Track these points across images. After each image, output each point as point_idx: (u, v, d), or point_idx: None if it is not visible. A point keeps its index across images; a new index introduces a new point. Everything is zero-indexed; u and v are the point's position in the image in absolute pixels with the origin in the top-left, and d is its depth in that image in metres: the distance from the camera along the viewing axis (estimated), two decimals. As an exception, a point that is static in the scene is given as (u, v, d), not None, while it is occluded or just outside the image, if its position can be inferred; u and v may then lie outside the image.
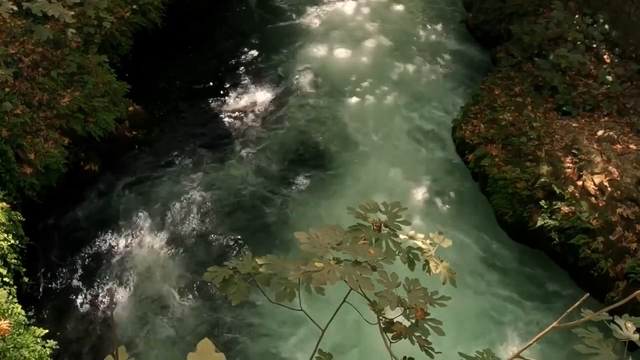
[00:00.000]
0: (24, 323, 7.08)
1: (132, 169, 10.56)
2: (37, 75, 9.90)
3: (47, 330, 7.35)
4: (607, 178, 9.24)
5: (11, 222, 8.19)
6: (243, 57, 13.10)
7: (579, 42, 11.28)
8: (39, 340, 6.97)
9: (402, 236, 3.07)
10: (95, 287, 8.92)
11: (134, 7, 11.87)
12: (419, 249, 3.14)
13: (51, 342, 7.14)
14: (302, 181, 10.57)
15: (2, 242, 7.82)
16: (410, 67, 12.84)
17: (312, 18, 14.19)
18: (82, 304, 8.72)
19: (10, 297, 7.31)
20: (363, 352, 8.14)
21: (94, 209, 9.86)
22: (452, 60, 13.02)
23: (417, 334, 2.77)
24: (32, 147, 9.13)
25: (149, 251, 9.42)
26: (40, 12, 8.08)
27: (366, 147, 11.17)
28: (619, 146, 9.79)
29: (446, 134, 11.34)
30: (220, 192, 10.32)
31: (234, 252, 9.42)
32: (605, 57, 11.43)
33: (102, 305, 8.71)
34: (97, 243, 9.44)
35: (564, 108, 10.57)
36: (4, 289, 7.36)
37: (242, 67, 12.87)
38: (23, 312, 7.23)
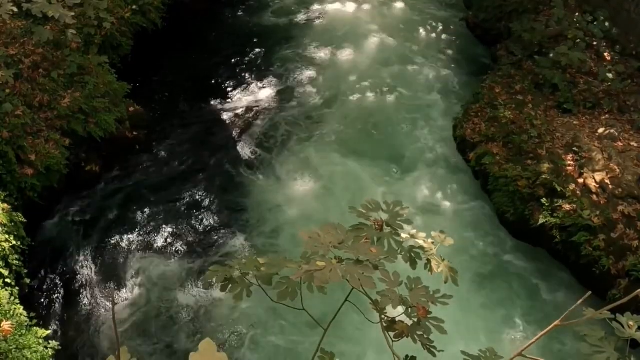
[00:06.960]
0: (25, 324, 7.06)
1: (133, 170, 10.56)
2: (38, 76, 9.90)
3: (49, 331, 7.35)
4: (608, 175, 9.24)
5: (12, 224, 8.18)
6: (243, 56, 13.12)
7: (579, 40, 11.28)
8: (41, 341, 6.96)
9: (403, 235, 3.07)
10: (97, 288, 8.92)
11: (134, 7, 11.89)
12: (421, 247, 3.14)
13: (53, 343, 7.13)
14: (301, 179, 10.57)
15: (3, 244, 7.82)
16: (411, 66, 12.85)
17: (312, 17, 14.21)
18: (83, 304, 8.72)
19: (12, 298, 7.31)
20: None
21: (94, 210, 9.86)
22: (452, 59, 13.03)
23: (419, 332, 2.76)
24: (33, 148, 9.13)
25: (150, 251, 9.42)
26: (40, 13, 8.05)
27: (366, 146, 11.18)
28: (619, 144, 9.79)
29: (447, 133, 11.33)
30: (222, 191, 10.33)
31: (237, 251, 9.42)
32: (605, 54, 11.43)
33: (103, 306, 8.71)
34: (98, 244, 9.44)
35: (565, 106, 10.56)
36: (6, 290, 7.36)
37: (242, 67, 12.89)
38: (25, 313, 7.22)
